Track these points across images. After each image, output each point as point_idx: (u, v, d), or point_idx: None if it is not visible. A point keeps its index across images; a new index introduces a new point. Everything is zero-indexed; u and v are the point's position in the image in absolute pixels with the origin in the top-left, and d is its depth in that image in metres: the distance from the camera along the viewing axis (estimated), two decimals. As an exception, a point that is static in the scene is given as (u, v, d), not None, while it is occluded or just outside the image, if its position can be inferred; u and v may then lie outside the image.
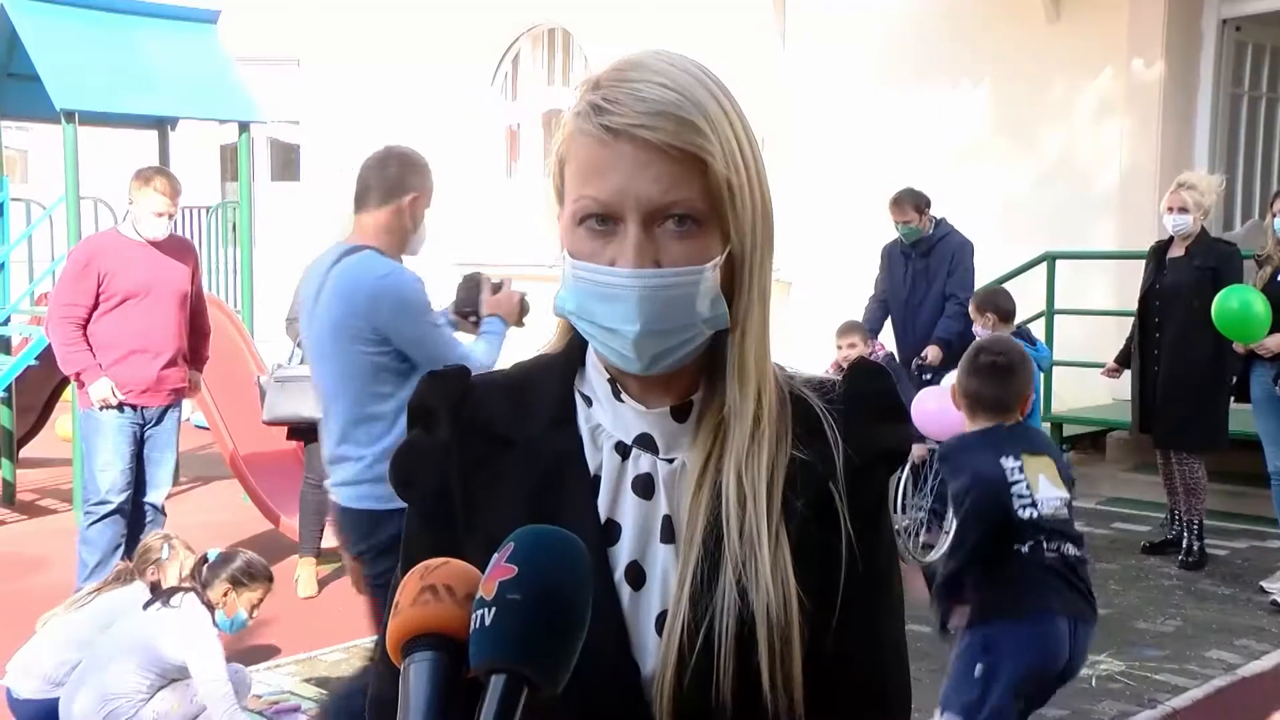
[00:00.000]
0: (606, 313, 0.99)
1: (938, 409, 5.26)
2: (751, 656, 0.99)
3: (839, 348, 5.97)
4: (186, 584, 3.95)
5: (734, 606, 0.99)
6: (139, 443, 5.26)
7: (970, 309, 5.85)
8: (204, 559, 4.00)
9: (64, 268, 5.36)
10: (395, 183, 3.37)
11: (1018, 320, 7.33)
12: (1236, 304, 5.35)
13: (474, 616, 0.83)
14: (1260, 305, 5.33)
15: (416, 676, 0.83)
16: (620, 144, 0.97)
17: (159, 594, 3.98)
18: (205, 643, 3.80)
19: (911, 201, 6.49)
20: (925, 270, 6.51)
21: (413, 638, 0.85)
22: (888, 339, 6.77)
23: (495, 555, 0.86)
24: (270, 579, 4.09)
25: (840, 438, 1.05)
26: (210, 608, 3.88)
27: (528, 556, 0.84)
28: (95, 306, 5.13)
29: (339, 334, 3.18)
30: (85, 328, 5.12)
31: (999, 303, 5.76)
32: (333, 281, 3.21)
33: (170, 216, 5.29)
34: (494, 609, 0.82)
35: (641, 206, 0.97)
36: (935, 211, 6.74)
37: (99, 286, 5.11)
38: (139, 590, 4.11)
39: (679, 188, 0.97)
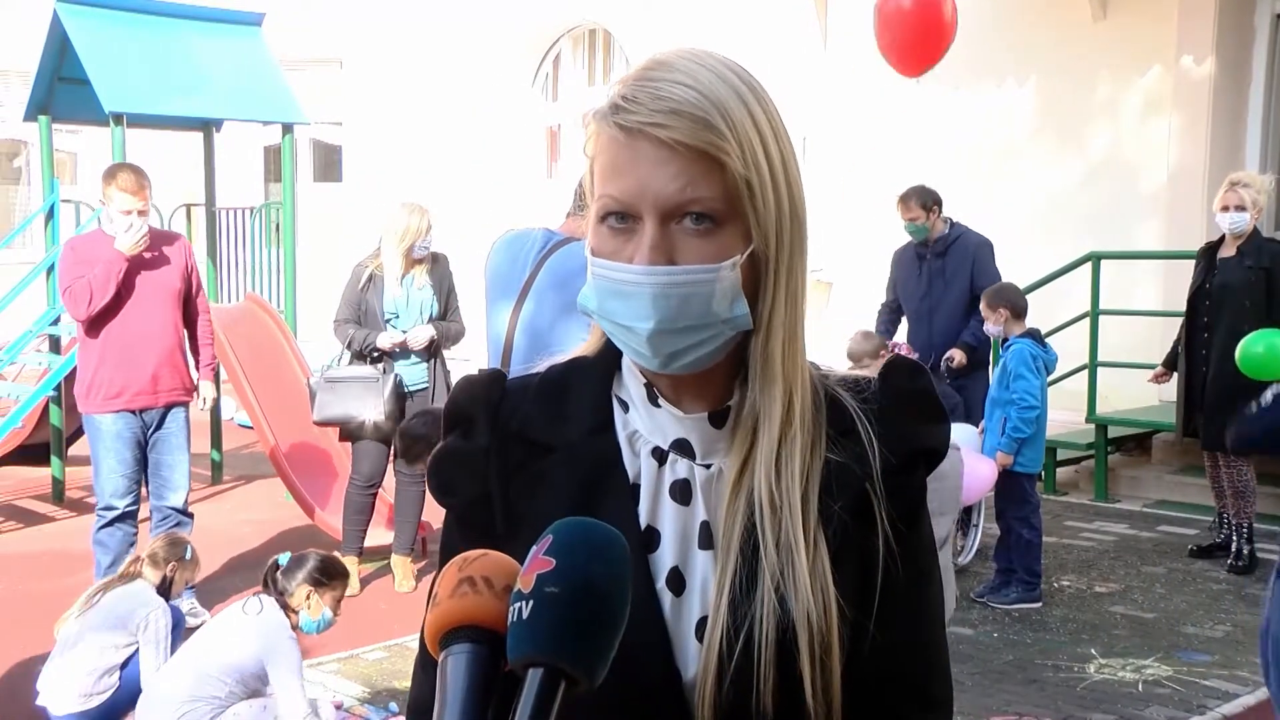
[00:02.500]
0: (623, 310, 0.99)
1: (965, 470, 5.23)
2: (792, 663, 0.98)
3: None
4: (263, 591, 3.87)
5: (773, 614, 0.98)
6: (143, 446, 5.16)
7: (981, 305, 5.69)
8: (275, 565, 3.91)
9: (60, 261, 5.23)
10: None
11: (1062, 320, 7.29)
12: (1263, 349, 5.27)
13: (511, 609, 0.82)
14: None
15: (454, 669, 0.83)
16: (637, 142, 0.97)
17: (271, 597, 3.88)
18: (287, 657, 3.74)
19: (918, 199, 6.32)
20: (942, 271, 6.36)
21: (450, 630, 0.84)
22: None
23: (534, 548, 0.85)
24: (347, 574, 4.04)
25: (875, 438, 1.04)
26: (291, 612, 3.83)
27: (566, 549, 0.84)
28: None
29: (568, 312, 3.24)
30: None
31: (1012, 298, 5.59)
32: (556, 266, 3.29)
33: (141, 213, 5.03)
34: (531, 602, 0.81)
35: (658, 204, 0.97)
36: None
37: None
38: (144, 586, 4.12)
39: (695, 186, 0.97)
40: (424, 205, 5.73)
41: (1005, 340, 5.57)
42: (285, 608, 3.83)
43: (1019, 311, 5.55)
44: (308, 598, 3.84)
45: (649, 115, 0.96)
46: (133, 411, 5.11)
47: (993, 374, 5.71)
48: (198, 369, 5.41)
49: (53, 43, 7.33)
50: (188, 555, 4.29)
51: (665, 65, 1.00)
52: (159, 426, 5.19)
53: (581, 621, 0.81)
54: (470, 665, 0.83)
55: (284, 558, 3.93)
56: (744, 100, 0.99)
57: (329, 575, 3.90)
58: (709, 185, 0.97)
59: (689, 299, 0.98)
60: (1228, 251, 5.81)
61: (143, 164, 5.40)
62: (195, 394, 5.42)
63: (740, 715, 0.99)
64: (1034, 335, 5.54)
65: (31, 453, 8.02)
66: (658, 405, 1.06)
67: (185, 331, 5.32)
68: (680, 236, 0.98)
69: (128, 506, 5.12)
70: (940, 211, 6.39)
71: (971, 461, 5.24)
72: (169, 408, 5.21)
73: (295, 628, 3.85)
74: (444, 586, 0.86)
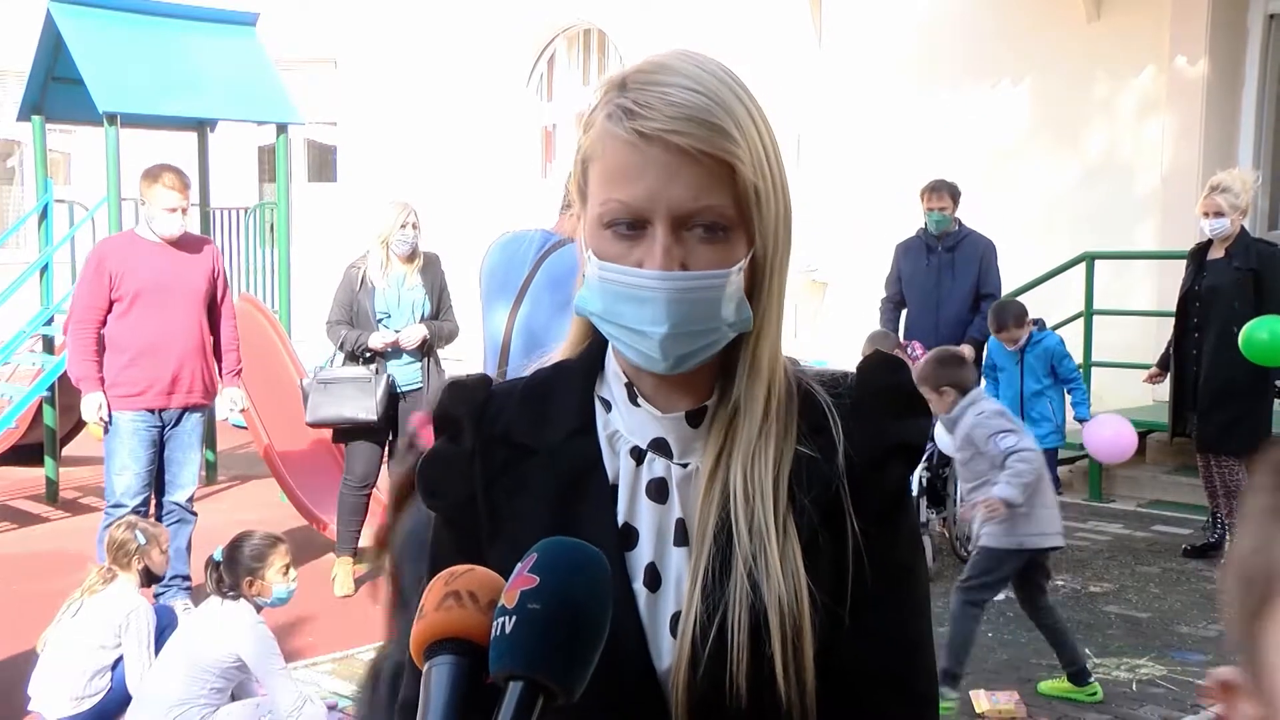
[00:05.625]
0: (634, 315, 1.00)
1: (1113, 434, 5.98)
2: (764, 647, 1.00)
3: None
4: (214, 587, 3.91)
5: (746, 599, 1.00)
6: (159, 446, 5.20)
7: (1011, 324, 6.11)
8: (215, 565, 3.91)
9: (81, 271, 5.32)
10: None
11: (1057, 320, 7.35)
12: (1267, 335, 5.29)
13: (495, 624, 0.85)
14: None
15: (437, 679, 0.85)
16: (651, 148, 0.98)
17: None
18: (260, 648, 3.77)
19: (948, 190, 6.58)
20: (952, 264, 6.54)
21: (435, 642, 0.87)
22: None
23: (518, 565, 0.87)
24: (277, 542, 3.98)
25: (844, 433, 1.05)
26: (250, 601, 3.86)
27: (550, 567, 0.86)
28: (110, 309, 5.10)
29: (562, 311, 3.24)
30: (100, 331, 5.10)
31: (1025, 309, 6.27)
32: (553, 266, 3.29)
33: (184, 211, 5.16)
34: (515, 617, 0.84)
35: (671, 211, 0.98)
36: (973, 209, 6.77)
37: (111, 287, 5.08)
38: (126, 584, 4.12)
39: (708, 194, 0.98)
40: (406, 201, 5.72)
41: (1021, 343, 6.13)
42: (244, 597, 3.85)
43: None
44: (251, 586, 3.85)
45: (666, 122, 0.97)
46: (151, 410, 5.15)
47: (1015, 373, 6.16)
48: (221, 374, 5.43)
49: (46, 42, 7.32)
50: (140, 539, 4.21)
51: (668, 69, 1.00)
52: (175, 425, 5.24)
53: (562, 637, 0.84)
54: (453, 676, 0.85)
55: (218, 553, 3.94)
56: (745, 105, 1.01)
57: (260, 557, 3.88)
58: (721, 192, 0.98)
59: (700, 304, 0.99)
60: (1216, 253, 5.83)
61: (137, 164, 5.42)
62: (218, 398, 5.44)
63: (714, 700, 1.00)
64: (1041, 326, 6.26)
65: (25, 453, 8.00)
66: (637, 405, 1.07)
67: (210, 335, 5.35)
68: (691, 242, 0.99)
69: (137, 506, 5.13)
70: (957, 206, 6.64)
71: (1118, 427, 6.06)
72: (187, 409, 5.25)
73: (260, 610, 3.88)
74: (430, 600, 0.88)
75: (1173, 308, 6.15)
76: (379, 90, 12.07)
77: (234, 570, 3.89)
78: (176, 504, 5.27)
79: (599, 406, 1.10)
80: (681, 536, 1.05)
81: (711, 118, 0.97)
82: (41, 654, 4.05)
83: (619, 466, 1.08)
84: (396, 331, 5.58)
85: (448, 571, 0.90)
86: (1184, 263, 6.14)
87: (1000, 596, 5.41)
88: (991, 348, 6.28)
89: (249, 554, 3.90)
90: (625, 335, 1.02)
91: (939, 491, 6.10)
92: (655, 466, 1.07)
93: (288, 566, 3.96)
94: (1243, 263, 5.69)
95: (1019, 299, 6.66)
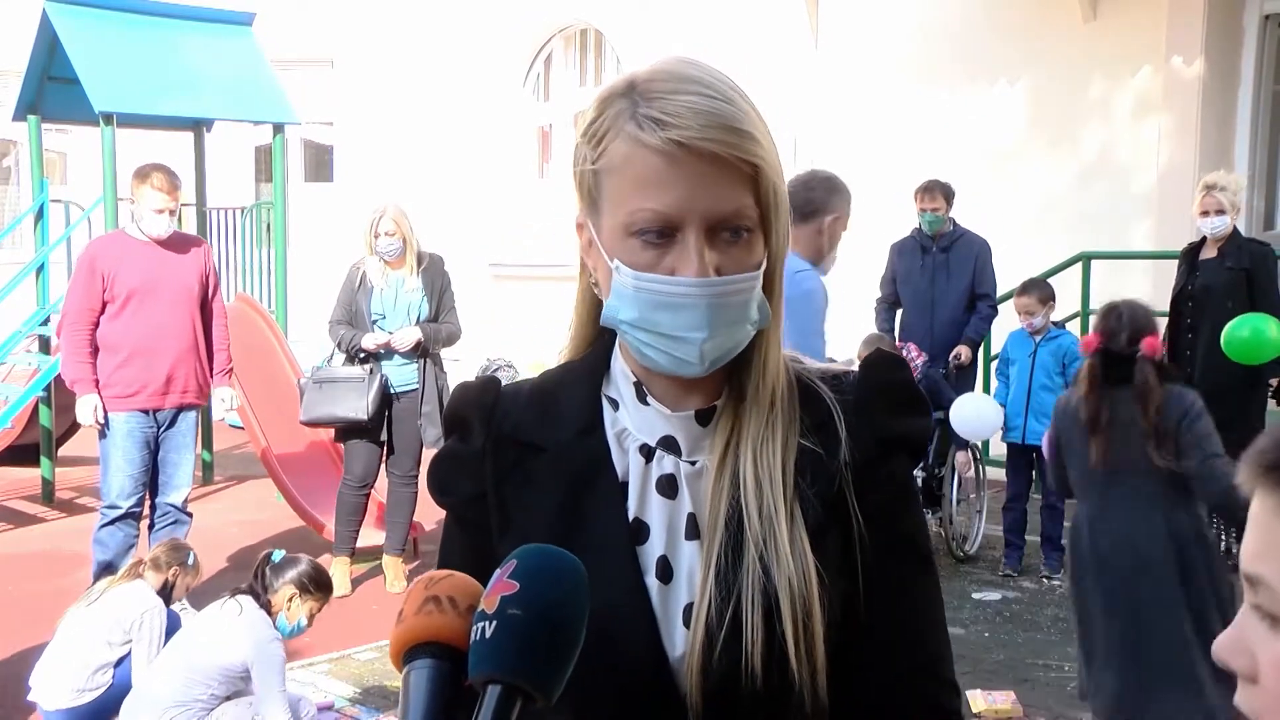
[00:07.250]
0: (672, 321, 1.01)
1: (975, 412, 5.82)
2: (777, 628, 1.02)
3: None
4: (246, 586, 3.90)
5: (759, 582, 1.02)
6: (153, 446, 5.19)
7: (1032, 300, 5.99)
8: (268, 558, 3.94)
9: (73, 272, 5.29)
10: (820, 204, 3.53)
11: (1056, 317, 7.36)
12: (1248, 332, 5.30)
13: (475, 628, 0.86)
14: (1273, 330, 5.28)
15: (416, 683, 0.86)
16: (685, 156, 0.99)
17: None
18: (272, 662, 3.75)
19: (942, 190, 6.58)
20: (946, 264, 6.54)
21: (415, 645, 0.87)
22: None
23: (497, 571, 0.88)
24: (332, 588, 4.05)
25: (847, 429, 1.08)
26: (270, 612, 3.85)
27: (529, 574, 0.87)
28: (103, 309, 5.09)
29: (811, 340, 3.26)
30: (94, 333, 5.09)
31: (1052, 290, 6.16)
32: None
33: (172, 213, 5.17)
34: (494, 622, 0.85)
35: (705, 218, 1.00)
36: (969, 210, 6.76)
37: (104, 288, 5.07)
38: (144, 587, 4.13)
39: (737, 198, 1.01)
40: (385, 205, 5.59)
41: (1039, 331, 6.04)
42: (264, 607, 3.84)
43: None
44: (289, 600, 3.86)
45: (698, 130, 0.98)
46: (145, 411, 5.14)
47: (1026, 364, 6.05)
48: (212, 374, 5.43)
49: (42, 42, 7.31)
50: (190, 561, 4.30)
51: (684, 78, 1.01)
52: (170, 425, 5.23)
53: (541, 642, 0.85)
54: (432, 680, 0.86)
55: (278, 554, 3.96)
56: (754, 109, 1.03)
57: (316, 585, 3.93)
58: (746, 196, 1.01)
59: (734, 306, 1.02)
60: (1209, 253, 5.84)
61: (133, 163, 5.41)
62: (211, 397, 5.44)
63: (730, 683, 1.02)
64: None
65: (21, 453, 8.00)
66: (646, 403, 1.09)
67: (203, 334, 5.34)
68: (720, 247, 1.01)
69: (131, 507, 5.13)
70: (950, 206, 6.61)
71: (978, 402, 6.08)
72: (181, 409, 5.24)
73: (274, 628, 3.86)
74: (410, 604, 0.89)
75: (1167, 307, 6.16)
76: (375, 90, 12.06)
77: (286, 572, 3.87)
78: (172, 505, 5.26)
79: (606, 406, 1.12)
80: (693, 530, 1.07)
81: (738, 124, 0.99)
82: (55, 635, 4.06)
83: (628, 463, 1.10)
84: (389, 334, 5.57)
85: (426, 576, 0.91)
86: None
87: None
88: (1009, 342, 6.25)
89: (313, 574, 3.93)
90: (660, 342, 1.03)
91: (934, 492, 6.11)
92: (665, 463, 1.09)
93: (318, 613, 3.99)
94: (1235, 262, 5.70)
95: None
